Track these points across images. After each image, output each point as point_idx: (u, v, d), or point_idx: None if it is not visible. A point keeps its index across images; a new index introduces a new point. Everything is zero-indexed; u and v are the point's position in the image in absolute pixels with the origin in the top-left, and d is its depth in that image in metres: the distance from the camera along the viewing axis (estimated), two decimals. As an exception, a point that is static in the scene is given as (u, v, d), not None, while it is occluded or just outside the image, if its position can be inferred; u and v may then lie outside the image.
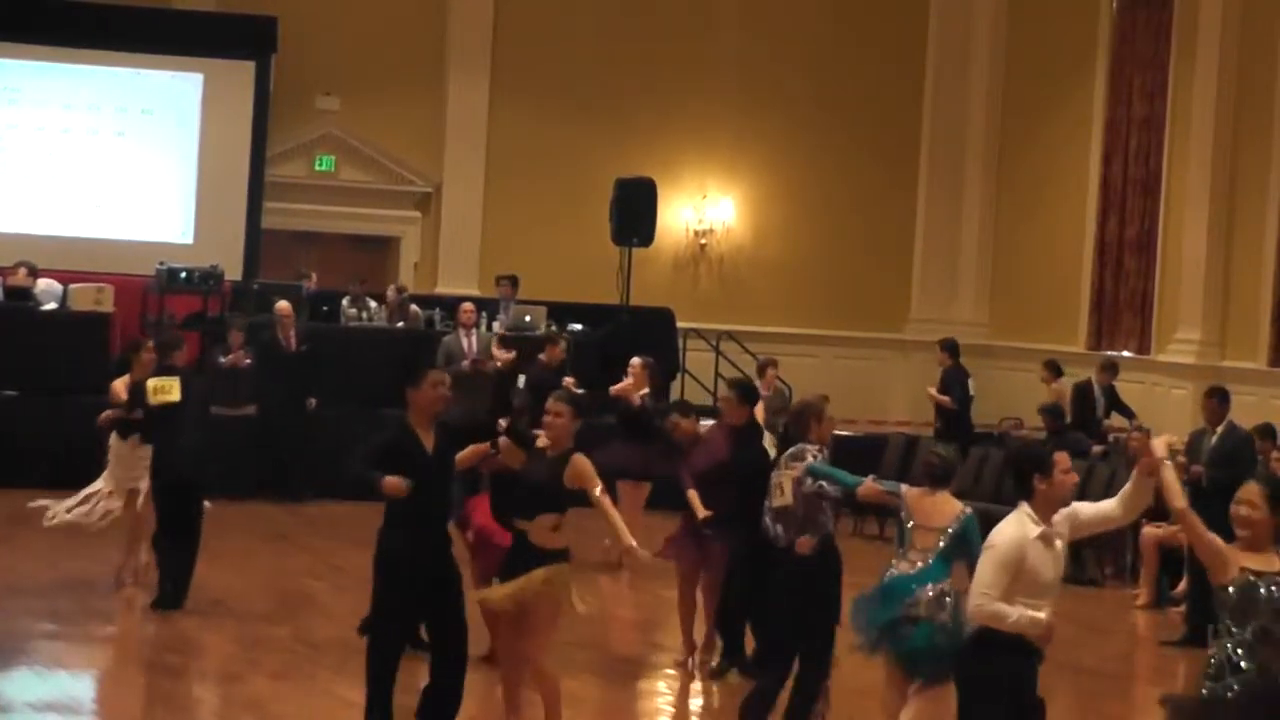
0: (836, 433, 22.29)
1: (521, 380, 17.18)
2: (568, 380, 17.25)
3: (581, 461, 9.49)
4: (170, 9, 23.87)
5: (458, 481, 10.65)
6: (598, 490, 9.46)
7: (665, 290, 24.33)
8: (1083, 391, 20.36)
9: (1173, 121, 22.28)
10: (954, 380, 21.20)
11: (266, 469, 19.31)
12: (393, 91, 24.64)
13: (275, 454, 19.21)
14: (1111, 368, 20.57)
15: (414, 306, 21.77)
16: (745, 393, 12.13)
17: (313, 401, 19.44)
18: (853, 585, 16.78)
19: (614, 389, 16.47)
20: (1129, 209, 23.04)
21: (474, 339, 19.72)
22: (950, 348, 21.61)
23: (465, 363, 19.34)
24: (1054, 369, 21.27)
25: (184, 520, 13.26)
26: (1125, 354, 22.59)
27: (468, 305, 20.10)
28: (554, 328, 21.38)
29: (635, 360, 16.89)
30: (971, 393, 21.37)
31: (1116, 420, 20.27)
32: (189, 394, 13.45)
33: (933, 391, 21.29)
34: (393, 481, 9.29)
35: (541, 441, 9.68)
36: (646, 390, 16.61)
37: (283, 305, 19.72)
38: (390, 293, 21.95)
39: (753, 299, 25.36)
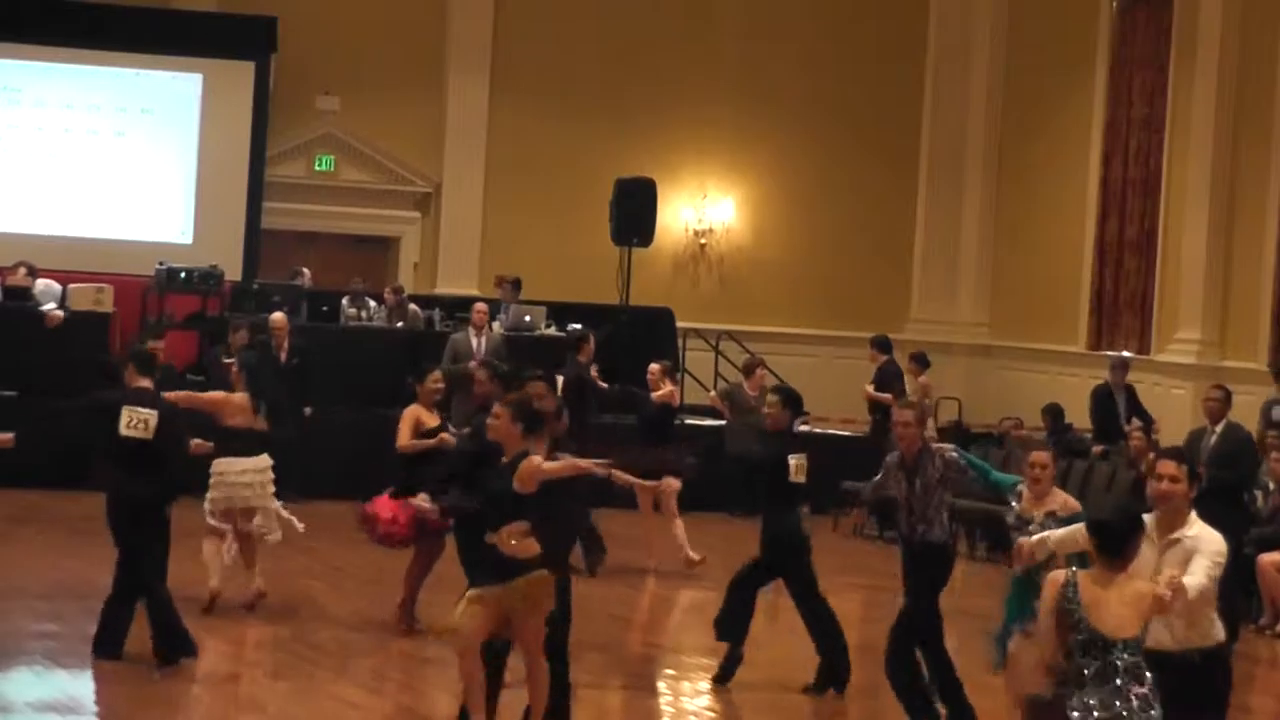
0: (837, 432, 22.40)
1: (560, 380, 17.14)
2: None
3: (529, 464, 9.34)
4: (170, 9, 23.89)
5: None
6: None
7: (665, 290, 24.33)
8: (1103, 395, 20.18)
9: (1173, 121, 22.29)
10: (892, 376, 21.10)
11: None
12: (393, 91, 24.65)
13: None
14: (1123, 365, 20.44)
15: (413, 306, 21.76)
16: (787, 399, 12.19)
17: (308, 410, 19.43)
18: (862, 586, 16.86)
19: (656, 396, 16.49)
20: (1129, 209, 23.04)
21: (483, 340, 19.64)
22: (882, 344, 21.50)
23: (472, 363, 19.25)
24: (921, 361, 21.20)
25: None
26: (1125, 354, 22.59)
27: (481, 306, 20.00)
28: (553, 327, 21.38)
29: (654, 366, 16.92)
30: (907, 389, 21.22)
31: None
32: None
33: (871, 389, 21.11)
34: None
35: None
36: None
37: (277, 317, 19.66)
38: (388, 293, 21.95)
39: (753, 299, 25.36)
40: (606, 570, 15.69)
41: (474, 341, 19.53)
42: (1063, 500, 10.28)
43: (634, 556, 16.14)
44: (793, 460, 11.75)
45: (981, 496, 19.27)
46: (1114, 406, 19.96)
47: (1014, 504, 10.32)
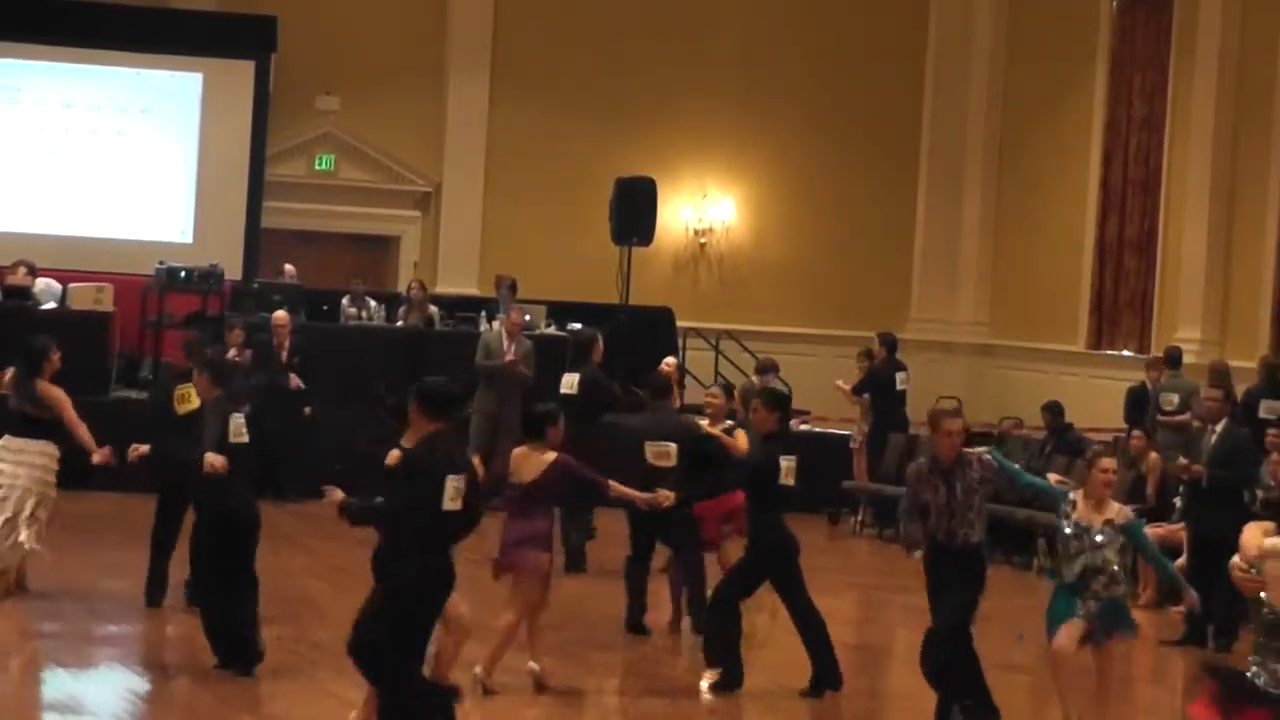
0: (837, 432, 22.36)
1: (576, 379, 17.08)
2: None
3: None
4: (170, 9, 23.88)
5: None
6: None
7: (665, 290, 24.32)
8: (1137, 395, 20.17)
9: (1173, 121, 22.30)
10: (877, 376, 21.06)
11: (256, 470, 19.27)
12: (393, 91, 24.65)
13: (264, 456, 19.11)
14: (1157, 365, 20.36)
15: (432, 307, 21.82)
16: (773, 399, 12.17)
17: (308, 410, 19.44)
18: (861, 586, 16.86)
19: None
20: (1129, 209, 23.06)
21: (515, 344, 19.69)
22: (885, 341, 21.42)
23: (504, 360, 19.37)
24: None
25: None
26: (1125, 354, 22.63)
27: (516, 317, 20.05)
28: (553, 327, 21.39)
29: (670, 360, 16.99)
30: (900, 386, 21.11)
31: (1116, 421, 20.20)
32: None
33: (841, 384, 21.10)
34: None
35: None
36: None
37: (279, 315, 19.68)
38: (415, 287, 21.96)
39: (753, 299, 25.35)
40: (608, 570, 15.66)
41: (505, 342, 19.60)
42: (1118, 508, 10.41)
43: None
44: (784, 463, 11.73)
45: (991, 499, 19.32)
46: (1145, 405, 19.93)
47: (1070, 512, 10.30)
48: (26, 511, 13.19)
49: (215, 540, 11.49)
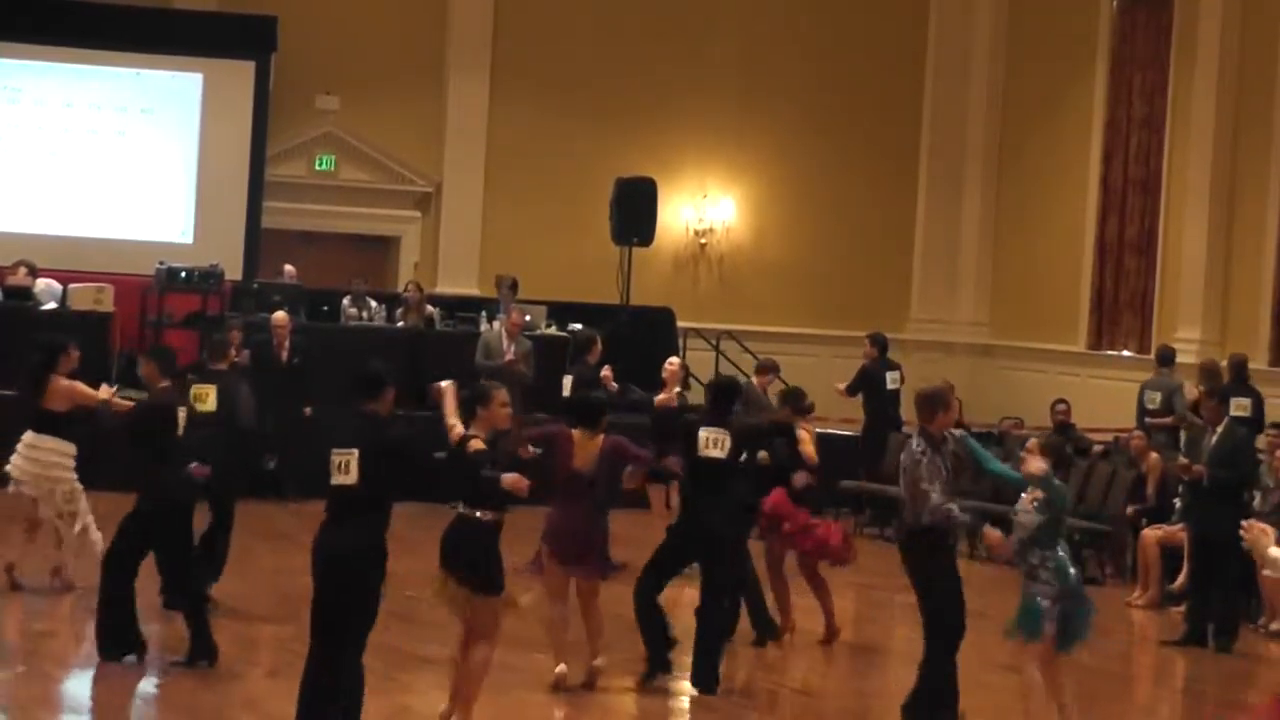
0: (837, 432, 22.36)
1: (569, 380, 17.10)
2: (605, 372, 17.24)
3: None
4: (170, 9, 23.90)
5: None
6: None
7: (665, 290, 24.33)
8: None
9: (1173, 121, 22.32)
10: (868, 375, 21.03)
11: (255, 470, 19.28)
12: (393, 91, 24.65)
13: (263, 456, 19.14)
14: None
15: (430, 308, 21.81)
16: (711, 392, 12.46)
17: (308, 410, 19.43)
18: (860, 585, 16.84)
19: (657, 401, 16.47)
20: (1129, 209, 23.07)
21: (515, 344, 19.76)
22: (875, 340, 21.37)
23: (504, 359, 19.44)
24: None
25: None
26: (1125, 353, 22.64)
27: (516, 317, 20.09)
28: (553, 327, 21.39)
29: (674, 360, 17.02)
30: (891, 386, 21.08)
31: (1116, 421, 20.21)
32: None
33: (838, 387, 21.09)
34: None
35: None
36: (678, 390, 16.69)
37: (279, 316, 19.67)
38: (411, 288, 21.97)
39: (753, 299, 25.36)
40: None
41: (505, 341, 19.64)
42: (1037, 472, 10.34)
43: (640, 556, 16.07)
44: (704, 433, 11.73)
45: (981, 495, 19.35)
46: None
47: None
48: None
49: (139, 524, 11.75)
